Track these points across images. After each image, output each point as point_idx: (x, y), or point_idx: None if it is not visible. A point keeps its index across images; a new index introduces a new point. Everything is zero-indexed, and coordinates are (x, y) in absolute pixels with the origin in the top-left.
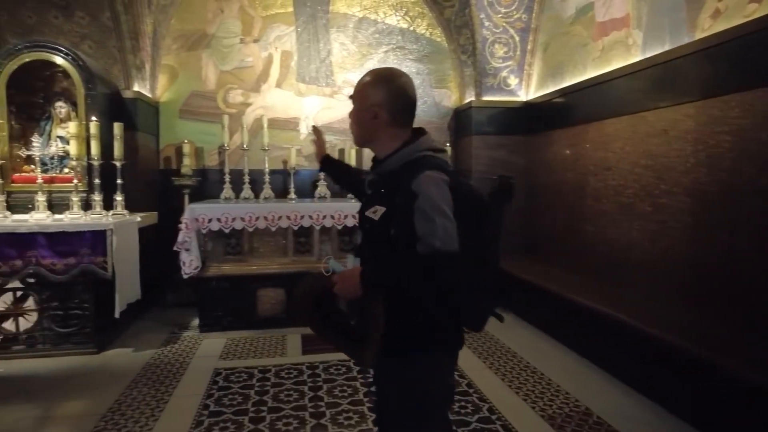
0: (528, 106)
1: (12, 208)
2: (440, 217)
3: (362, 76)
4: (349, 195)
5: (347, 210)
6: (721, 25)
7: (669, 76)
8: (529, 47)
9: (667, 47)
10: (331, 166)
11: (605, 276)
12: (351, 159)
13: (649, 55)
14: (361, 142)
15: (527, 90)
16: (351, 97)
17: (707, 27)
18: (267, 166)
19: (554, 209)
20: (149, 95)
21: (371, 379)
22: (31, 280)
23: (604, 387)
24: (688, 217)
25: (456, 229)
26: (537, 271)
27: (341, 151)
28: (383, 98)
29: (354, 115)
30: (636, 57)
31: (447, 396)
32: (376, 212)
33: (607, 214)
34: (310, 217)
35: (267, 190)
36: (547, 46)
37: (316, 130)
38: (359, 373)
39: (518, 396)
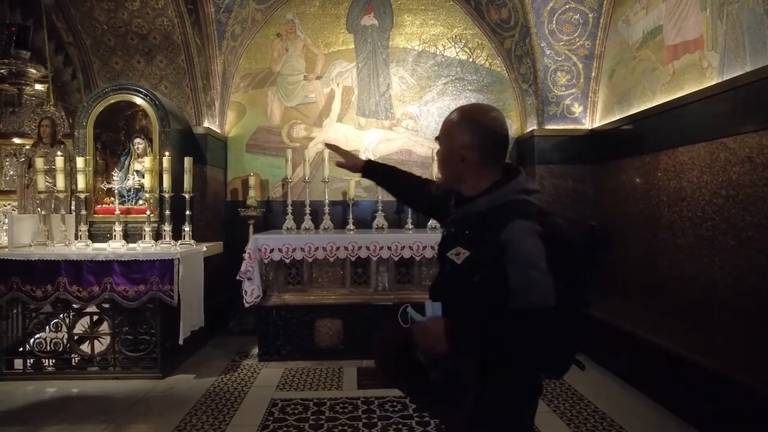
0: (594, 134)
1: (93, 237)
2: (534, 271)
3: (449, 114)
4: (408, 223)
5: (404, 242)
6: None
7: (754, 98)
8: (593, 74)
9: (748, 68)
10: (379, 174)
11: (682, 314)
12: None
13: (728, 77)
14: (449, 183)
15: (592, 118)
16: (437, 138)
17: None
18: (327, 197)
19: (625, 241)
20: (218, 131)
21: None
22: (106, 305)
23: None
24: None
25: (551, 282)
26: (607, 307)
27: None
28: (471, 139)
29: (441, 156)
30: (712, 80)
31: None
32: (459, 255)
33: (684, 248)
34: (367, 248)
35: (327, 221)
36: (613, 72)
37: (330, 147)
38: (415, 411)
39: None
